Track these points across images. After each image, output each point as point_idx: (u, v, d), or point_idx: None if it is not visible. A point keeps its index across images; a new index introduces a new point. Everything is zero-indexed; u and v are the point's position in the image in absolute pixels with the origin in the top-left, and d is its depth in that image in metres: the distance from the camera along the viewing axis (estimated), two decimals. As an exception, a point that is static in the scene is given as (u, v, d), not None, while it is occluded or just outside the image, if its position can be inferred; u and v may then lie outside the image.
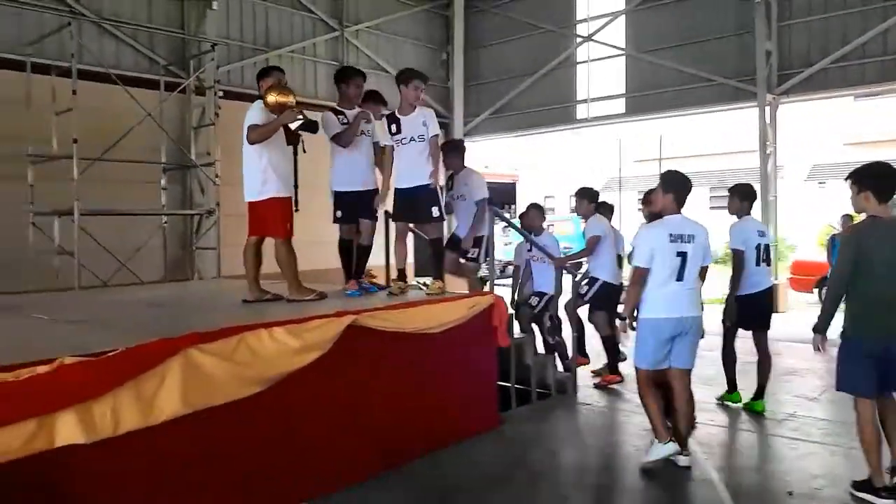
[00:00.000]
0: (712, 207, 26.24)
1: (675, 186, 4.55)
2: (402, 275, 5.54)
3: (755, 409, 5.79)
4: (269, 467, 3.72)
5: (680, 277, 4.41)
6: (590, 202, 7.03)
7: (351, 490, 4.05)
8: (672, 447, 4.49)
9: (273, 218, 4.98)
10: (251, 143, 4.82)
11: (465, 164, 6.45)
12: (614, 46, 14.18)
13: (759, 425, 5.55)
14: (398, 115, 5.34)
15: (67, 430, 2.89)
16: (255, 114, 4.88)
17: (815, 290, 13.31)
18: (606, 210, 7.34)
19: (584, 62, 14.74)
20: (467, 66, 16.01)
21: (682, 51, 13.11)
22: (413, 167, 5.30)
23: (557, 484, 4.45)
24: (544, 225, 7.61)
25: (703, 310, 4.70)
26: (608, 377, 6.78)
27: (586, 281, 6.87)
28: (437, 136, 5.36)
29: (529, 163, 29.22)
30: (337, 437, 4.12)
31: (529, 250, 7.01)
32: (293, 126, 5.19)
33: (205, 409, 3.31)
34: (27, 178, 8.24)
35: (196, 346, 3.34)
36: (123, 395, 3.06)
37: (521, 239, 7.17)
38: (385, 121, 5.41)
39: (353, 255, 5.63)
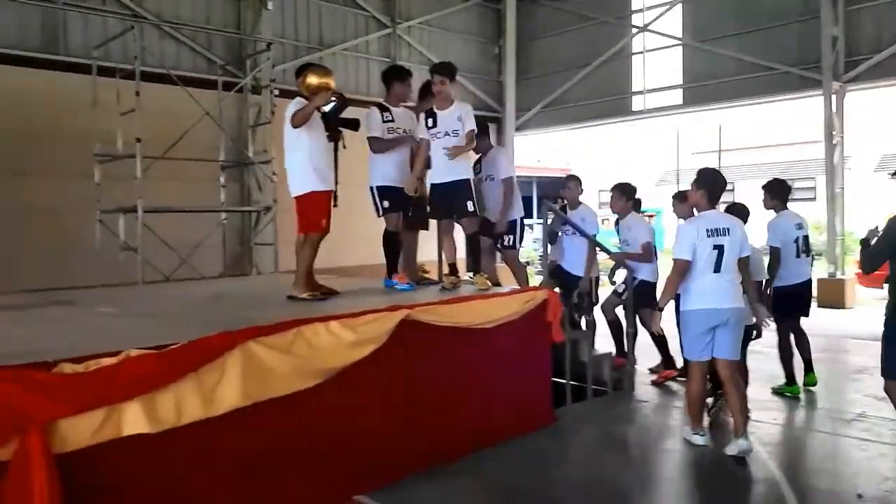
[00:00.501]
0: (774, 200, 25.39)
1: (707, 183, 4.71)
2: (453, 269, 5.53)
3: (809, 383, 6.06)
4: (323, 461, 3.76)
5: (717, 269, 4.57)
6: (627, 199, 6.82)
7: (404, 484, 4.06)
8: (700, 440, 4.76)
9: (310, 211, 5.05)
10: (294, 127, 4.93)
11: (493, 144, 6.39)
12: (671, 36, 13.87)
13: (827, 425, 5.35)
14: (435, 110, 5.33)
15: (133, 419, 2.98)
16: (293, 106, 5.01)
17: (885, 286, 12.73)
18: (636, 206, 7.12)
19: (639, 53, 14.46)
20: (519, 60, 15.89)
21: (743, 39, 12.72)
22: (448, 162, 5.26)
23: (613, 483, 4.37)
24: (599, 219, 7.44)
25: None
26: (664, 373, 6.64)
27: (623, 280, 6.71)
28: (473, 131, 5.31)
29: (583, 156, 28.85)
30: (391, 431, 4.14)
31: (563, 223, 6.80)
32: (325, 108, 5.24)
33: (262, 401, 3.37)
34: (94, 176, 8.55)
35: (255, 340, 3.40)
36: (186, 387, 3.13)
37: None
38: (423, 115, 5.41)
39: (398, 247, 5.68)
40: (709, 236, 4.57)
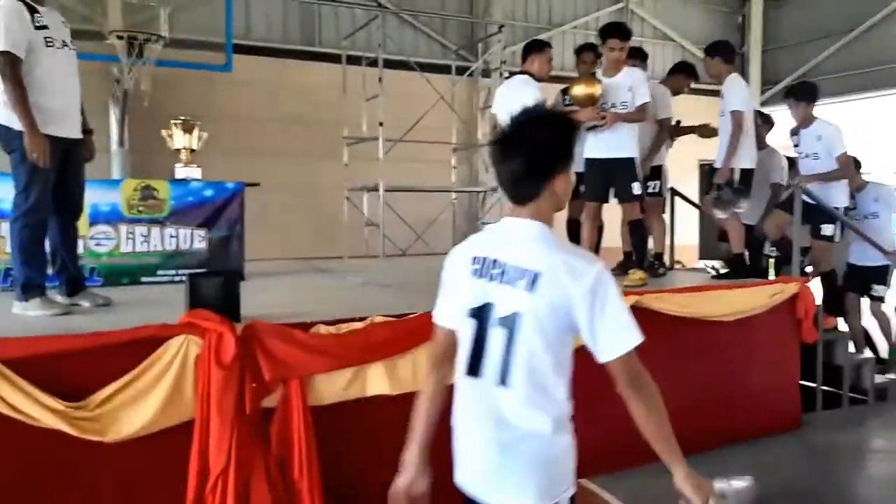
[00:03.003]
0: None
1: None
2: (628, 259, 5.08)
3: None
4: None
5: None
6: (808, 103, 5.57)
7: (632, 473, 3.91)
8: None
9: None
10: None
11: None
12: (964, -10, 11.72)
13: None
14: (601, 77, 4.88)
15: (377, 381, 3.21)
16: (531, 91, 4.71)
17: None
18: None
19: (919, 12, 12.43)
20: (766, 29, 14.46)
21: None
22: (612, 136, 4.76)
23: (852, 500, 3.86)
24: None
25: None
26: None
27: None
28: (647, 103, 4.79)
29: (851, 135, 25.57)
30: (621, 419, 4.00)
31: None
32: (588, 124, 5.02)
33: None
34: (343, 157, 9.35)
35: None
36: (422, 355, 3.29)
37: None
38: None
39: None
40: None
